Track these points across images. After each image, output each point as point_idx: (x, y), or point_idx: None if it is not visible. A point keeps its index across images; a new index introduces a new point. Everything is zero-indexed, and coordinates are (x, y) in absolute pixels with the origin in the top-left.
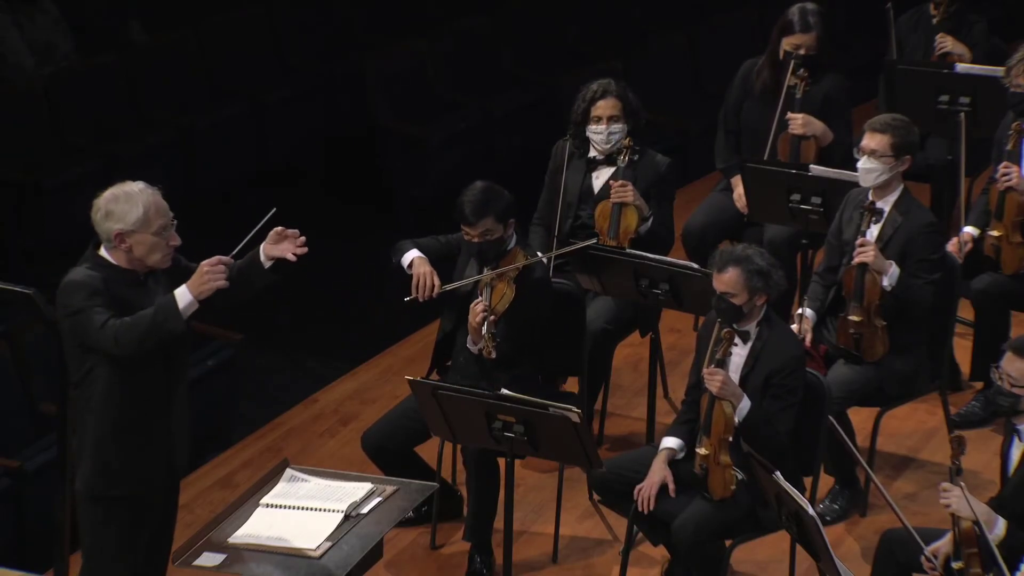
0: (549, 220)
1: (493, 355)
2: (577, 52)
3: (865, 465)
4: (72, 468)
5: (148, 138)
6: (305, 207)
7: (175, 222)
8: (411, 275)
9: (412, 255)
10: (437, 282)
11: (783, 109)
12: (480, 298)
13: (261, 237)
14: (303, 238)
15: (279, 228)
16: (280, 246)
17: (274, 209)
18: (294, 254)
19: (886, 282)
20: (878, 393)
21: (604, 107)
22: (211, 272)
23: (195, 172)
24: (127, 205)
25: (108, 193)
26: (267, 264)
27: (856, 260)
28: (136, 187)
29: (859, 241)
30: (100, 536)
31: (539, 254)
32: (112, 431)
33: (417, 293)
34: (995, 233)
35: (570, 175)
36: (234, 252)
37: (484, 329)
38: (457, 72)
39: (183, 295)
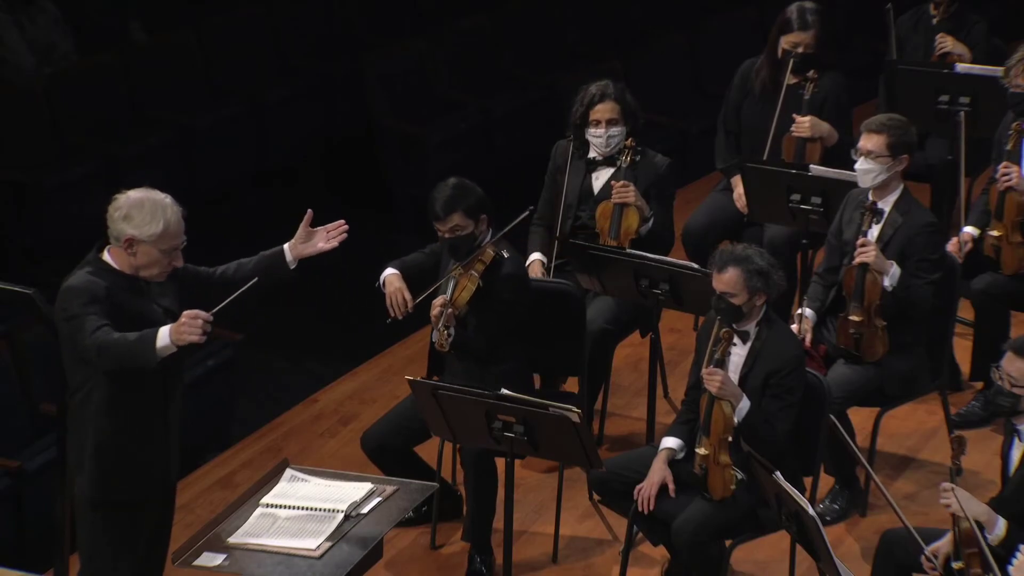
0: (550, 220)
1: (446, 348)
2: (577, 52)
3: (866, 465)
4: (71, 474)
5: (148, 138)
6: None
7: (184, 243)
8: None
9: (384, 274)
10: (408, 296)
11: (783, 108)
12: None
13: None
14: (343, 225)
15: (308, 222)
16: (311, 243)
17: (255, 279)
18: (330, 241)
19: (887, 282)
20: (878, 393)
21: (602, 111)
22: (188, 324)
23: (195, 172)
24: (150, 216)
25: (134, 196)
26: (293, 264)
27: (857, 260)
28: (164, 200)
29: (860, 241)
30: (99, 541)
31: (537, 254)
32: (112, 438)
33: (393, 313)
34: (995, 233)
35: (570, 175)
36: (214, 311)
37: (440, 322)
38: (457, 72)
39: (163, 336)
